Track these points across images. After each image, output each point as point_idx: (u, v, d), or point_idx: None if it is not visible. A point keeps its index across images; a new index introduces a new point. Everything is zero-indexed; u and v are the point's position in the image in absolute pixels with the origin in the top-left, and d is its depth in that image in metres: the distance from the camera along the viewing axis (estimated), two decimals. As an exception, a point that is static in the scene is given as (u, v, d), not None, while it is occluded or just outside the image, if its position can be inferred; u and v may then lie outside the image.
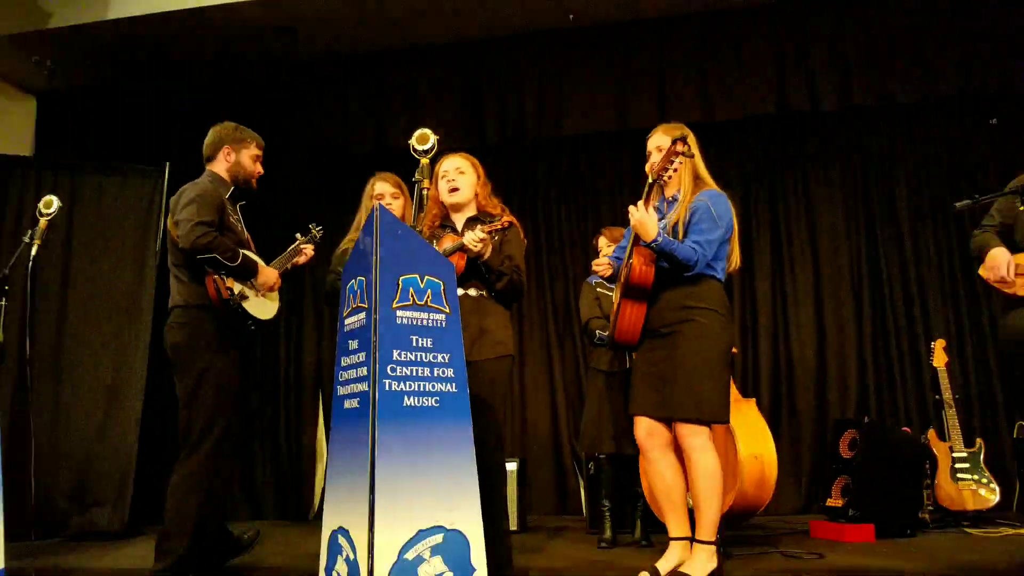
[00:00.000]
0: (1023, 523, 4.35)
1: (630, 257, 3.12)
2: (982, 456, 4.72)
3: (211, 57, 6.03)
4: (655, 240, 2.97)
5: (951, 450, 4.71)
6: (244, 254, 3.34)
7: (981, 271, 2.93)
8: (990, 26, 5.65)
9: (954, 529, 4.43)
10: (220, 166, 3.53)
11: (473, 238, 3.08)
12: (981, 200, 2.78)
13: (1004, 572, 2.99)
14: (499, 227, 3.15)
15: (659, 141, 3.24)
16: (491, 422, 3.08)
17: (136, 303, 5.43)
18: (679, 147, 2.98)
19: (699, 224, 3.07)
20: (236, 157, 3.53)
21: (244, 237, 3.53)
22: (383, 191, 3.80)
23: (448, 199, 3.34)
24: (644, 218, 2.98)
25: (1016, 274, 2.79)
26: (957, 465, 4.66)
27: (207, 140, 3.57)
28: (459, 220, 3.36)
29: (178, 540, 3.14)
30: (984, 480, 4.63)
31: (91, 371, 5.31)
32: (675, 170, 3.07)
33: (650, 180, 3.03)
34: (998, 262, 2.82)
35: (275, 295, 3.55)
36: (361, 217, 3.78)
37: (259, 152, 3.62)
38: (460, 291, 3.12)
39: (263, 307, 3.46)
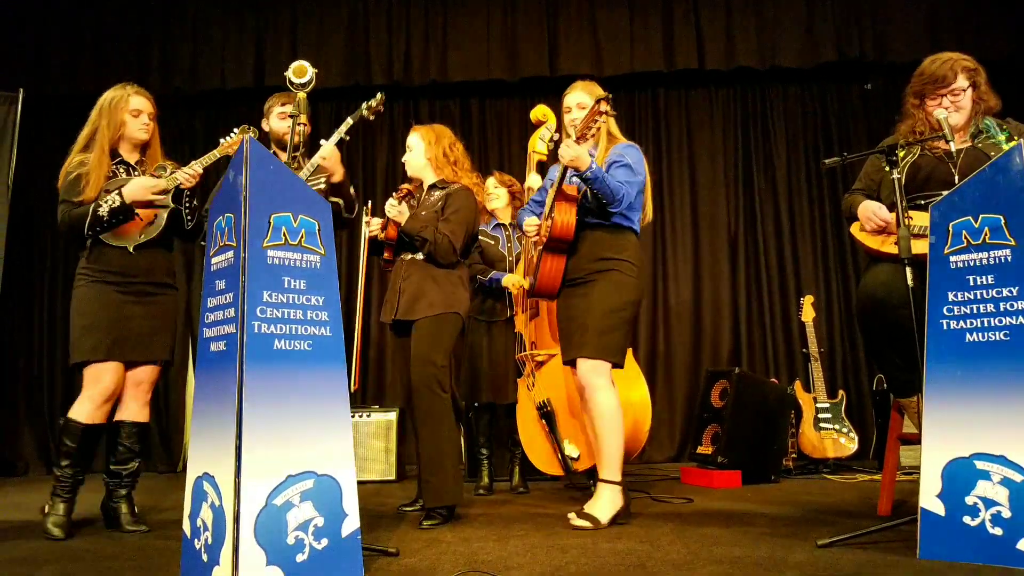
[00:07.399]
0: (878, 470, 4.59)
1: (551, 211, 3.21)
2: (843, 407, 4.97)
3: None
4: (589, 168, 3.02)
5: (815, 401, 4.94)
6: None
7: (853, 228, 3.03)
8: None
9: (815, 476, 4.67)
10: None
11: (388, 207, 3.39)
12: (848, 158, 2.85)
13: (857, 515, 3.15)
14: (401, 195, 3.44)
15: (580, 98, 3.32)
16: (424, 370, 3.21)
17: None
18: (603, 106, 3.05)
19: (618, 171, 3.17)
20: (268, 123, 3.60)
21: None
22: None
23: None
24: (578, 151, 3.03)
25: (886, 232, 2.89)
26: (820, 415, 4.90)
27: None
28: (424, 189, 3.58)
29: None
30: (844, 430, 4.87)
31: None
32: (598, 129, 3.16)
33: (574, 136, 3.11)
34: (870, 211, 2.92)
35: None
36: None
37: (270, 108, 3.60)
38: (408, 256, 3.42)
39: None
